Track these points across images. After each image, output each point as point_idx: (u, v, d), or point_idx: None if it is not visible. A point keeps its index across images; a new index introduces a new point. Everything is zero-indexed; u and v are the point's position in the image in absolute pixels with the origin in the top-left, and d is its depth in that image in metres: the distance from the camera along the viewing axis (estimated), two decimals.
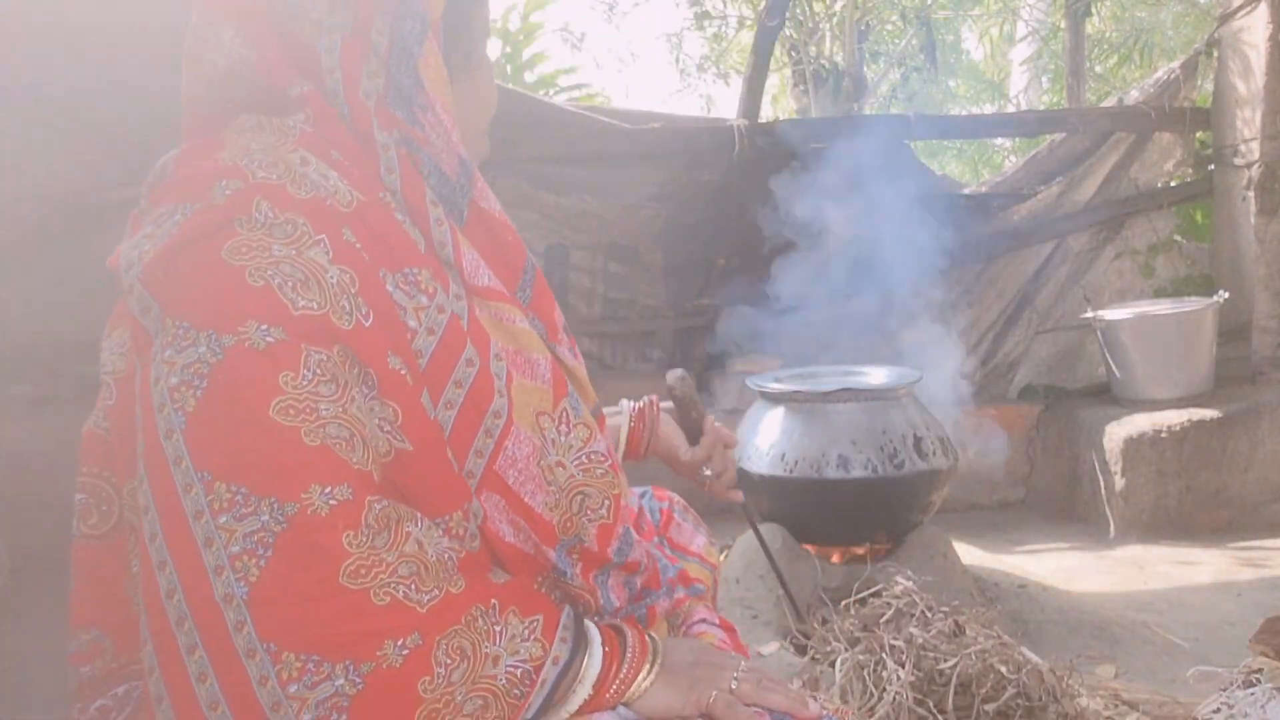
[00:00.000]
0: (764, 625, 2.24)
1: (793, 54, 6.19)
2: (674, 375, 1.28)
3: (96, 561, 0.81)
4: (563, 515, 0.85)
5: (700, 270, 3.97)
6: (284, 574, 0.68)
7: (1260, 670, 1.57)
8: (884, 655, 1.70)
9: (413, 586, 0.72)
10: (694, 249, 3.97)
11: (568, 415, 0.87)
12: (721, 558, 2.48)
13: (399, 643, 0.70)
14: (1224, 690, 1.60)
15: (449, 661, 0.72)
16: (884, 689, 1.65)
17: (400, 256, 0.80)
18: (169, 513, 0.70)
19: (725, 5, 6.76)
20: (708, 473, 1.27)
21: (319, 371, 0.72)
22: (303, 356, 0.72)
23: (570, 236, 3.76)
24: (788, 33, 5.86)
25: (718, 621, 1.12)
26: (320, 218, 0.77)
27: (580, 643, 0.82)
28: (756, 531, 1.60)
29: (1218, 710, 1.56)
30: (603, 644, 0.84)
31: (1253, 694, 1.53)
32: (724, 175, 3.87)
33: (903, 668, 1.65)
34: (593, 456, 0.88)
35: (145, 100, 3.17)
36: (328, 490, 0.70)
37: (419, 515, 0.77)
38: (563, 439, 0.86)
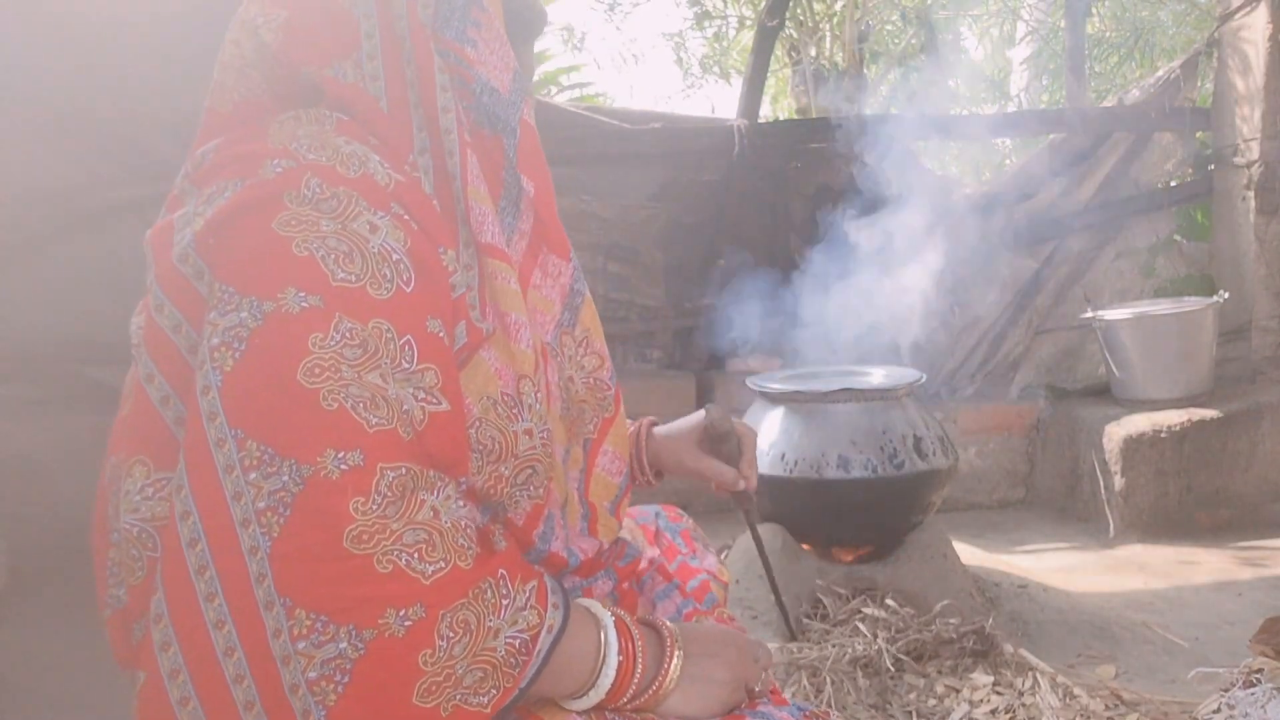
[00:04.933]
0: (764, 625, 2.24)
1: (793, 54, 6.19)
2: (711, 411, 1.23)
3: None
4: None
5: (700, 270, 3.97)
6: (298, 533, 0.70)
7: (1260, 670, 1.57)
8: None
9: (416, 555, 0.73)
10: (694, 249, 3.97)
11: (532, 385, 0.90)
12: (722, 557, 2.48)
13: (401, 612, 0.71)
14: (1224, 690, 1.60)
15: (452, 635, 0.73)
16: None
17: (434, 234, 0.84)
18: (198, 466, 0.72)
19: (725, 5, 6.76)
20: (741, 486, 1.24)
21: (348, 336, 0.75)
22: (334, 321, 0.75)
23: (570, 236, 3.76)
24: (788, 33, 5.86)
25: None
26: (369, 193, 0.80)
27: (574, 611, 0.84)
28: (758, 542, 1.55)
29: (1218, 710, 1.56)
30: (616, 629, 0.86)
31: (1253, 694, 1.52)
32: (724, 175, 3.87)
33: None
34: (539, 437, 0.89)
35: (142, 101, 3.17)
36: (340, 455, 0.72)
37: (441, 484, 0.78)
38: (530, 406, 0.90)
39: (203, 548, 0.71)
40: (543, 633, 0.79)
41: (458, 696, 0.73)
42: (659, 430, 1.26)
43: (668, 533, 1.29)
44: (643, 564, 1.15)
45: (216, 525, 0.71)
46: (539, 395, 0.88)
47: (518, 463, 0.86)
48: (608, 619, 0.86)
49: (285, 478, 0.71)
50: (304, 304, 0.74)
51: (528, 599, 0.79)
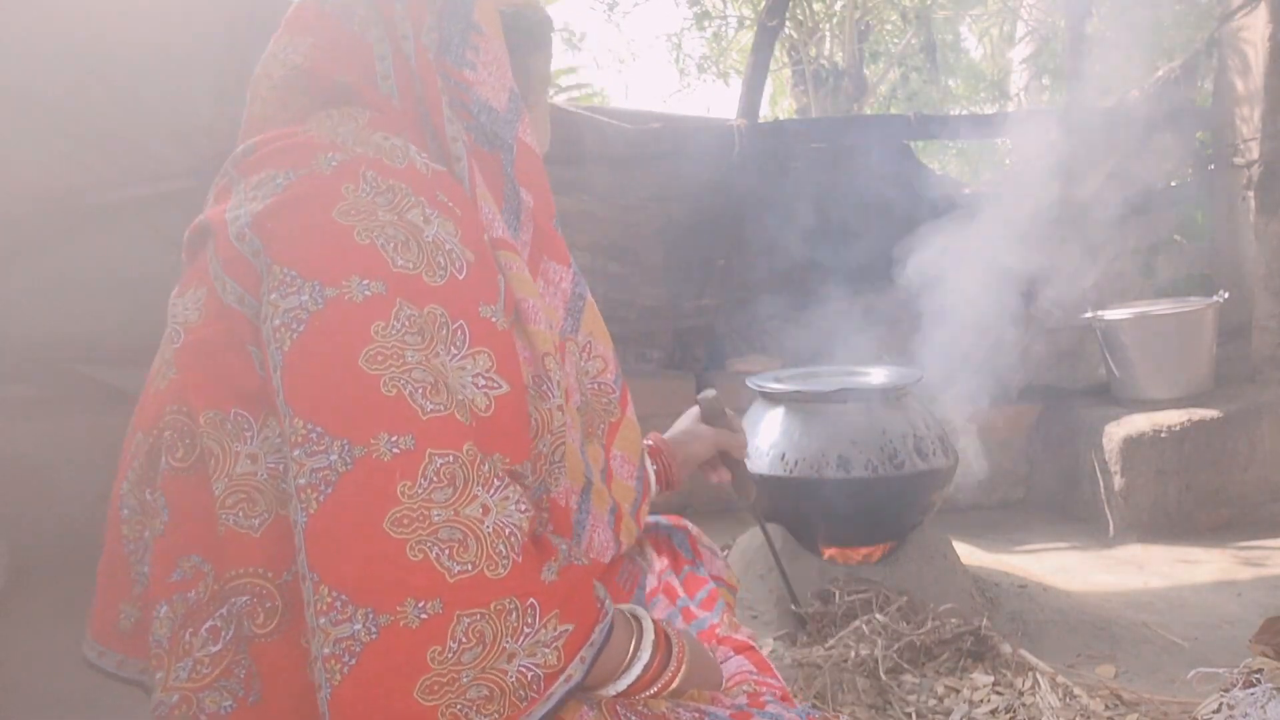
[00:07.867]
0: (764, 625, 2.24)
1: (793, 54, 6.20)
2: (705, 396, 1.38)
3: (185, 491, 0.84)
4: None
5: (700, 270, 3.97)
6: (336, 512, 0.72)
7: (1260, 670, 1.57)
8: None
9: (447, 552, 0.73)
10: (694, 249, 3.97)
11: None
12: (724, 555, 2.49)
13: (420, 604, 0.71)
14: (1224, 690, 1.60)
15: (465, 641, 0.72)
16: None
17: (471, 222, 0.88)
18: None
19: (725, 5, 6.76)
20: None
21: (408, 324, 0.77)
22: (395, 309, 0.77)
23: (569, 236, 3.73)
24: (788, 33, 5.86)
25: (731, 649, 1.11)
26: (416, 184, 0.84)
27: (605, 656, 0.84)
28: (764, 530, 1.73)
29: (1218, 710, 1.56)
30: (654, 643, 0.89)
31: (1253, 694, 1.52)
32: (724, 175, 3.87)
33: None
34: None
35: (143, 103, 3.18)
36: (394, 439, 0.73)
37: (501, 482, 0.78)
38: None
39: None
40: (559, 680, 0.77)
41: (458, 705, 0.72)
42: (668, 436, 1.34)
43: (674, 541, 1.30)
44: (652, 582, 1.16)
45: None
46: (561, 371, 0.92)
47: (553, 439, 0.89)
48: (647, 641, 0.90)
49: (333, 456, 0.72)
50: (367, 291, 0.77)
51: (555, 637, 0.77)
